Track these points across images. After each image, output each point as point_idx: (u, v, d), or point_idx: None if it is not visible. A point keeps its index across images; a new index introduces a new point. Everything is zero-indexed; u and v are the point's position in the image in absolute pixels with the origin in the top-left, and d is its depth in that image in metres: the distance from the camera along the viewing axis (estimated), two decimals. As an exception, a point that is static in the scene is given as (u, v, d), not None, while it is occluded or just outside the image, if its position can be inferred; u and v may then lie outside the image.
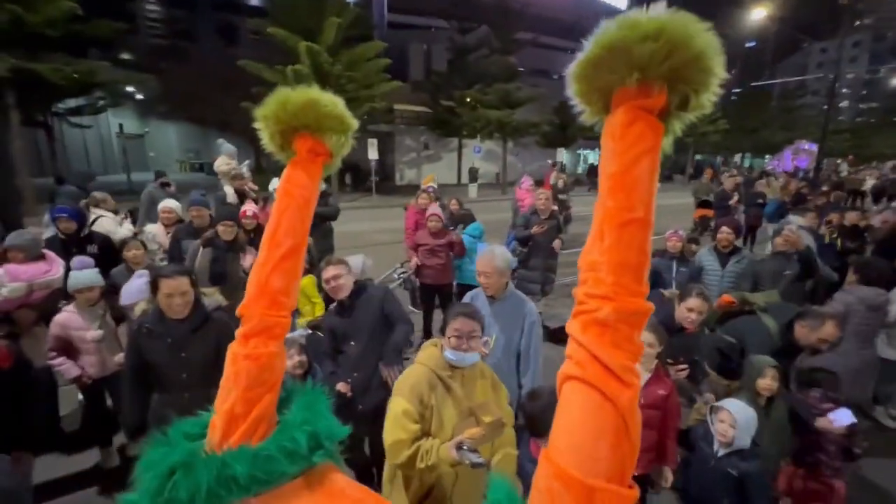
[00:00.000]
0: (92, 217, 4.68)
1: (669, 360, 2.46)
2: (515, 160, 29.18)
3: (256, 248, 4.30)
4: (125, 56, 26.33)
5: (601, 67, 0.61)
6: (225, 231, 3.45)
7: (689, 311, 2.57)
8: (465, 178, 23.49)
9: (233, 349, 0.84)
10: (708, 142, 29.78)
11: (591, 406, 0.58)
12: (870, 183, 14.20)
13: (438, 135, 24.99)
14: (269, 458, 0.74)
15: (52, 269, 2.93)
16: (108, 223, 4.59)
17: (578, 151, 35.19)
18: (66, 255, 3.10)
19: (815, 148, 22.22)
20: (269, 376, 0.83)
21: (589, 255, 0.63)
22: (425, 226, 4.54)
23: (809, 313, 2.65)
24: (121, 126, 21.86)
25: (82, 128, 19.41)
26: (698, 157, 35.17)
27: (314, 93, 0.89)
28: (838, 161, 26.22)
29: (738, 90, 37.72)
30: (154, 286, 2.10)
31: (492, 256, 2.36)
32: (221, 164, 5.74)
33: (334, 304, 2.50)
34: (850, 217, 5.52)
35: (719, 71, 0.58)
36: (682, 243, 3.94)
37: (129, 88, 22.39)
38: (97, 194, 5.09)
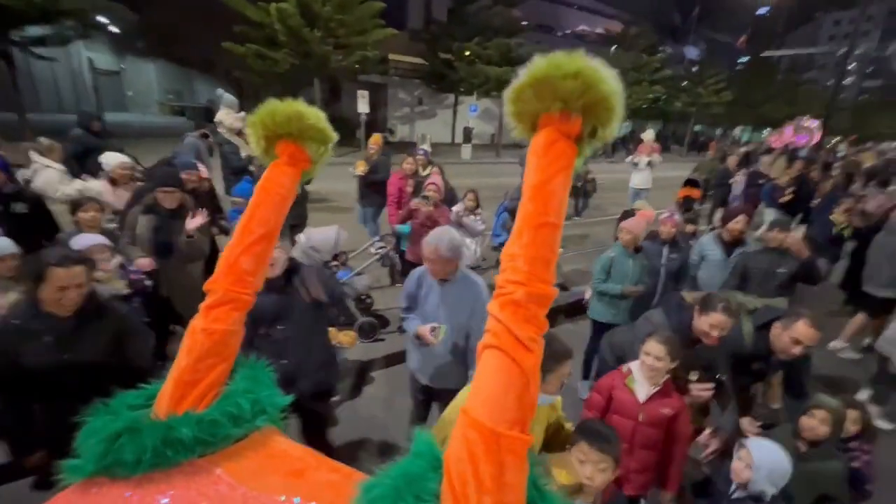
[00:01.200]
0: (33, 168, 4.19)
1: (692, 377, 2.16)
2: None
3: (213, 208, 3.85)
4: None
5: (531, 95, 0.77)
6: (165, 198, 2.95)
7: (711, 326, 2.17)
8: (459, 138, 22.64)
9: (192, 323, 0.90)
10: (710, 113, 29.07)
11: (503, 368, 0.70)
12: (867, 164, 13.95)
13: (434, 90, 23.85)
14: (214, 422, 0.79)
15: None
16: (53, 177, 4.08)
17: (577, 115, 34.10)
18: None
19: (816, 125, 21.77)
20: (221, 349, 0.88)
21: (510, 248, 0.77)
22: (408, 195, 4.16)
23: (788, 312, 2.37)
24: (90, 60, 20.24)
25: (47, 60, 17.91)
26: (697, 127, 34.49)
27: (300, 105, 1.02)
28: (835, 139, 25.83)
29: (745, 59, 36.57)
30: (38, 276, 1.67)
31: (437, 244, 2.12)
32: (225, 117, 5.51)
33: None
34: (875, 203, 4.73)
35: (620, 112, 0.76)
36: (676, 229, 3.65)
37: (102, 20, 20.67)
38: (43, 140, 4.50)
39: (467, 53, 20.70)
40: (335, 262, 3.73)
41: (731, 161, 8.85)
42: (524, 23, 22.24)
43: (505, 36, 20.27)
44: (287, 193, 1.04)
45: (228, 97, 5.80)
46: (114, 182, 3.85)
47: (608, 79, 0.73)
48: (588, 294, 3.72)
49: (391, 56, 22.91)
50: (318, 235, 3.60)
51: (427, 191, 4.03)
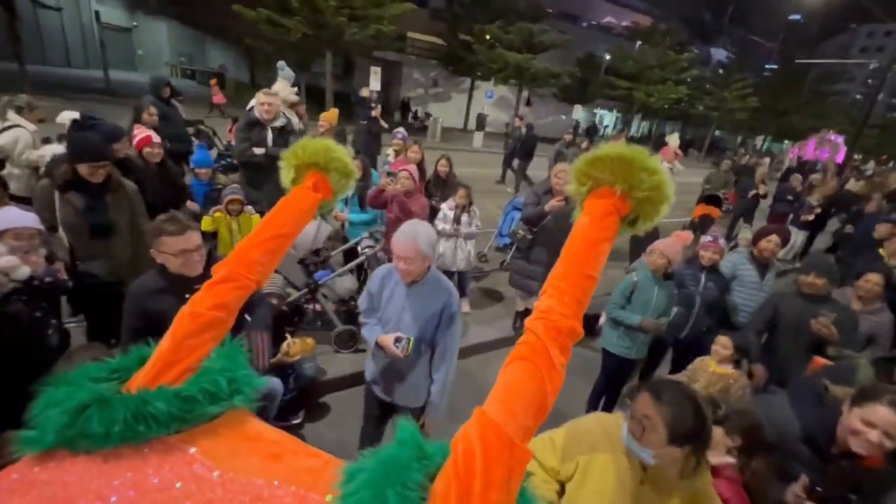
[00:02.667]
0: (3, 125, 3.71)
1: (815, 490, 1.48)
2: (528, 111, 27.42)
3: (166, 183, 3.27)
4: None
5: (607, 166, 0.91)
6: (93, 173, 2.41)
7: (868, 426, 1.42)
8: (472, 125, 21.94)
9: (182, 307, 0.89)
10: (732, 119, 28.10)
11: (534, 383, 0.77)
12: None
13: (450, 72, 23.07)
14: (190, 397, 0.76)
15: None
16: (21, 137, 3.61)
17: (595, 110, 33.15)
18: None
19: (840, 140, 20.88)
20: (204, 334, 0.86)
21: (557, 283, 0.88)
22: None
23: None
24: (97, 13, 19.54)
25: (53, 10, 17.30)
26: (717, 132, 33.51)
27: (330, 142, 1.20)
28: (858, 157, 24.87)
29: (773, 66, 35.30)
30: None
31: (414, 237, 1.84)
32: (281, 89, 5.30)
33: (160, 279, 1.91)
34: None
35: (660, 217, 0.95)
36: (719, 255, 3.15)
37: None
38: (22, 96, 4.03)
39: (488, 37, 19.90)
40: (313, 260, 3.27)
41: (760, 173, 8.25)
42: (549, 10, 21.33)
43: (528, 21, 19.42)
44: (306, 210, 1.15)
45: (287, 71, 5.71)
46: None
47: (670, 190, 0.91)
48: (602, 319, 3.25)
49: (409, 34, 22.12)
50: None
51: (400, 176, 3.55)
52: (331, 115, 5.83)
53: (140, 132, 3.36)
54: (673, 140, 8.02)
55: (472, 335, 4.28)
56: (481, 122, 19.25)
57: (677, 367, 3.35)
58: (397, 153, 5.07)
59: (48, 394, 0.73)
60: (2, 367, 1.71)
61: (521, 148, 10.45)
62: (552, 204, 3.58)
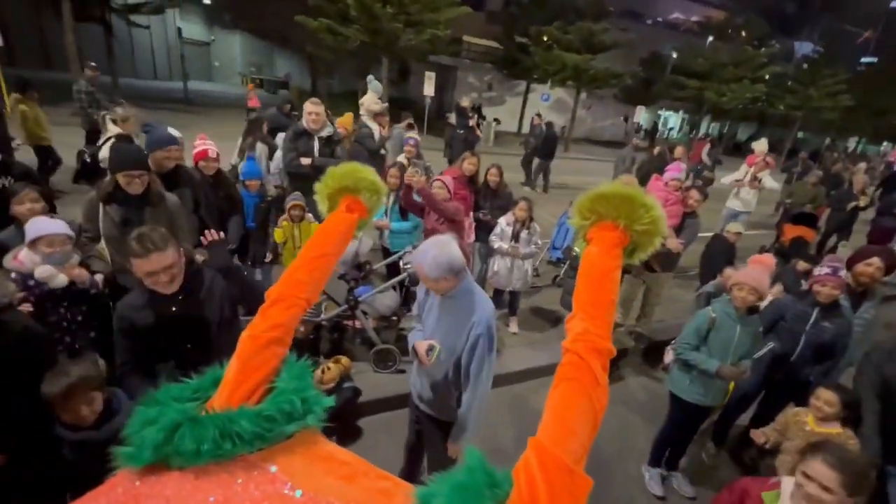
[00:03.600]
0: (105, 137, 4.00)
1: None
2: (586, 114, 26.37)
3: (221, 195, 3.23)
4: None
5: (610, 203, 1.01)
6: (130, 183, 2.39)
7: None
8: (526, 128, 21.42)
9: (243, 332, 0.95)
10: (819, 119, 25.33)
11: (584, 404, 0.80)
12: None
13: (505, 75, 22.68)
14: (270, 417, 0.79)
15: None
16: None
17: (660, 112, 31.27)
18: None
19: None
20: (267, 355, 0.91)
21: (589, 306, 0.94)
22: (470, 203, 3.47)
23: None
24: (179, 30, 21.26)
25: (139, 27, 19.04)
26: (801, 135, 30.38)
27: (356, 164, 1.30)
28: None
29: (870, 60, 31.49)
30: None
31: (420, 262, 1.77)
32: (370, 102, 5.73)
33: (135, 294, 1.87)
34: None
35: (650, 251, 1.04)
36: (839, 291, 2.61)
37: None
38: (119, 110, 4.40)
39: (545, 38, 19.32)
40: (354, 275, 3.14)
41: (859, 181, 7.20)
42: (611, 8, 20.34)
43: (589, 20, 18.61)
44: (345, 231, 1.23)
45: (376, 83, 6.06)
46: None
47: (664, 226, 1.02)
48: (668, 357, 2.84)
49: (465, 37, 22.03)
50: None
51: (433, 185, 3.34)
52: (346, 120, 5.91)
53: (200, 144, 3.40)
54: (760, 146, 7.08)
55: (522, 358, 3.98)
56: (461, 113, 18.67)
57: (761, 417, 2.88)
58: (409, 161, 4.86)
59: (141, 413, 0.77)
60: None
61: (541, 147, 10.12)
62: None
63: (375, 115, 5.73)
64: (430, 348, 1.91)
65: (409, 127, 7.11)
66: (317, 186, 1.30)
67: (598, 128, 28.28)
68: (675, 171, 4.49)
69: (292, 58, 28.26)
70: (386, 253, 3.86)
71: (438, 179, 3.24)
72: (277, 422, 0.79)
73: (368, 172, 1.29)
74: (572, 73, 18.86)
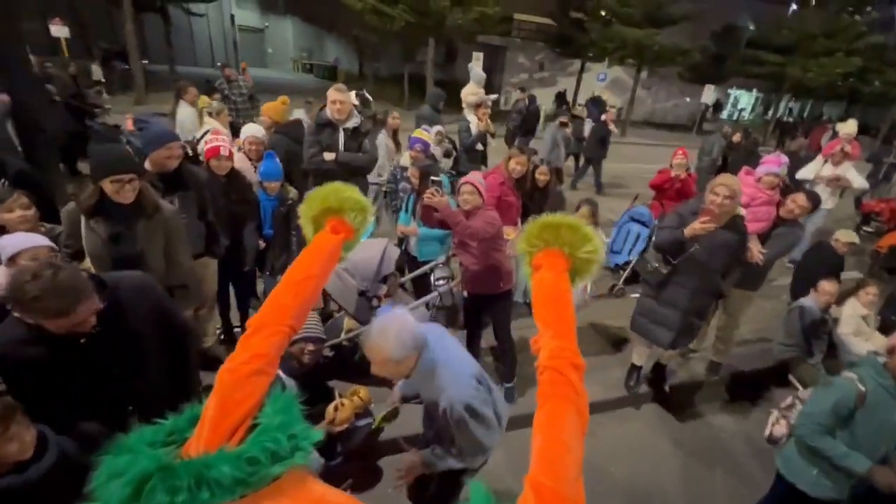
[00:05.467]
0: (203, 129, 4.05)
1: None
2: (646, 95, 24.40)
3: (234, 199, 2.79)
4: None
5: (555, 232, 1.14)
6: (118, 190, 1.96)
7: None
8: (580, 111, 20.10)
9: (221, 366, 0.89)
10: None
11: (573, 420, 0.82)
12: None
13: (558, 54, 21.33)
14: (252, 459, 0.72)
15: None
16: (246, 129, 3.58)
17: (730, 91, 28.42)
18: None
19: None
20: (249, 389, 0.84)
21: (557, 324, 1.01)
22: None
23: None
24: (232, 17, 21.66)
25: (196, 16, 19.62)
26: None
27: (338, 185, 1.30)
28: None
29: None
30: None
31: (383, 340, 1.46)
32: (469, 93, 5.35)
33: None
34: None
35: (590, 277, 1.20)
36: None
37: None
38: (214, 103, 4.70)
39: (602, 13, 17.83)
40: (377, 290, 2.71)
41: None
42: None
43: (656, -10, 16.92)
44: (331, 252, 1.20)
45: (477, 71, 5.67)
46: (251, 158, 3.43)
47: (602, 255, 1.18)
48: (778, 429, 2.17)
49: (515, 15, 20.87)
50: (357, 252, 2.58)
51: (462, 191, 2.75)
52: (272, 107, 4.68)
53: (212, 140, 3.04)
54: (847, 128, 5.60)
55: (569, 387, 3.43)
56: (560, 105, 17.44)
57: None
58: (413, 161, 3.69)
59: (108, 463, 0.69)
60: None
61: (522, 124, 9.35)
62: (697, 227, 2.56)
63: (475, 107, 5.14)
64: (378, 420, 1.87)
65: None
66: (300, 209, 1.29)
67: (660, 109, 26.13)
68: (774, 163, 3.68)
69: (340, 42, 28.17)
70: (412, 264, 3.39)
71: (469, 183, 2.70)
72: (262, 464, 0.72)
73: (353, 192, 1.29)
74: (633, 50, 17.30)
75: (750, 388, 3.80)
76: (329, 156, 3.38)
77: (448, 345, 1.72)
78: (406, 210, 3.49)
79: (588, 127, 9.34)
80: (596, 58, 19.26)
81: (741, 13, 23.50)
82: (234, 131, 4.59)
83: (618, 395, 3.42)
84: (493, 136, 5.34)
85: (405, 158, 3.94)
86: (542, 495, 0.69)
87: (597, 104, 8.20)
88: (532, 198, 3.69)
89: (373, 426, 2.44)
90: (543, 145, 7.57)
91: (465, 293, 3.04)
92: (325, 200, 1.26)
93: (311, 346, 2.24)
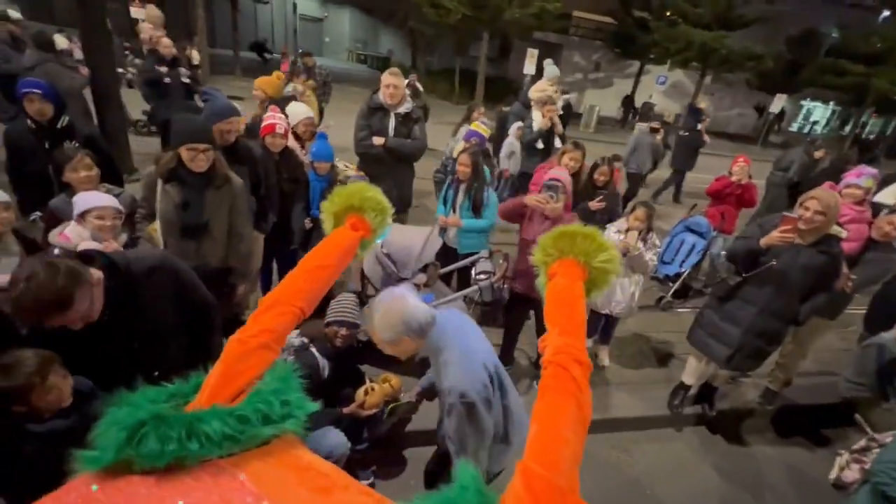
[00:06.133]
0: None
1: None
2: (709, 101, 23.08)
3: (285, 177, 2.79)
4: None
5: (571, 241, 1.13)
6: (193, 158, 2.10)
7: None
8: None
9: (233, 335, 0.92)
10: None
11: (573, 414, 0.79)
12: None
13: (617, 55, 20.54)
14: (243, 417, 0.75)
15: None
16: (298, 110, 3.66)
17: (803, 102, 26.43)
18: (39, 151, 2.29)
19: None
20: (253, 361, 0.87)
21: (566, 323, 1.00)
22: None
23: None
24: (294, 6, 22.35)
25: (261, 3, 20.35)
26: None
27: (361, 184, 1.33)
28: None
29: None
30: None
31: (375, 319, 1.45)
32: (538, 89, 4.91)
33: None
34: None
35: (607, 287, 1.17)
36: None
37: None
38: (298, 87, 4.95)
39: (668, 13, 16.99)
40: (417, 280, 2.66)
41: None
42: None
43: (727, -10, 15.94)
44: (347, 247, 1.21)
45: (552, 67, 5.34)
46: (298, 138, 3.50)
47: (619, 266, 1.15)
48: (849, 473, 1.95)
49: (574, 13, 20.27)
50: (399, 239, 2.55)
51: (546, 200, 2.57)
52: (265, 81, 4.56)
53: (269, 118, 3.10)
54: None
55: (610, 404, 3.25)
56: (646, 111, 16.65)
57: None
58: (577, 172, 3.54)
59: (111, 414, 0.72)
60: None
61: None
62: (775, 236, 2.33)
63: (541, 104, 4.81)
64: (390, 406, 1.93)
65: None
66: (323, 205, 1.30)
67: (723, 118, 24.64)
68: (855, 175, 3.32)
69: (395, 34, 28.48)
70: (450, 256, 3.30)
71: (556, 180, 2.56)
72: (251, 423, 0.74)
73: (375, 192, 1.32)
74: (697, 53, 16.41)
75: (805, 423, 3.48)
76: (378, 140, 3.36)
77: (468, 333, 1.65)
78: (446, 202, 3.43)
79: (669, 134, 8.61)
80: (657, 60, 18.39)
81: (823, 18, 21.71)
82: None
83: (659, 413, 3.22)
84: (561, 137, 4.96)
85: (457, 149, 3.86)
86: (531, 482, 0.68)
87: (696, 113, 7.68)
88: (586, 196, 3.51)
89: (385, 412, 2.39)
90: (625, 150, 7.09)
91: (510, 290, 2.93)
92: (348, 199, 1.27)
93: (344, 331, 2.22)
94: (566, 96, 6.92)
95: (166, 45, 5.36)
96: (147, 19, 6.51)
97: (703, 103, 8.22)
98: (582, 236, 1.12)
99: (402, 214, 3.57)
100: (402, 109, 3.39)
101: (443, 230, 3.30)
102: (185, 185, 2.17)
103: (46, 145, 2.52)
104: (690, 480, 2.91)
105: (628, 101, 19.68)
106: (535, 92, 4.89)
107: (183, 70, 5.49)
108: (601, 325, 3.49)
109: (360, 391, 2.28)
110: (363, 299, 2.70)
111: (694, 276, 5.00)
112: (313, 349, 2.18)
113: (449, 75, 19.59)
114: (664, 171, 8.48)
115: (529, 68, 14.39)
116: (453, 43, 19.12)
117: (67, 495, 0.65)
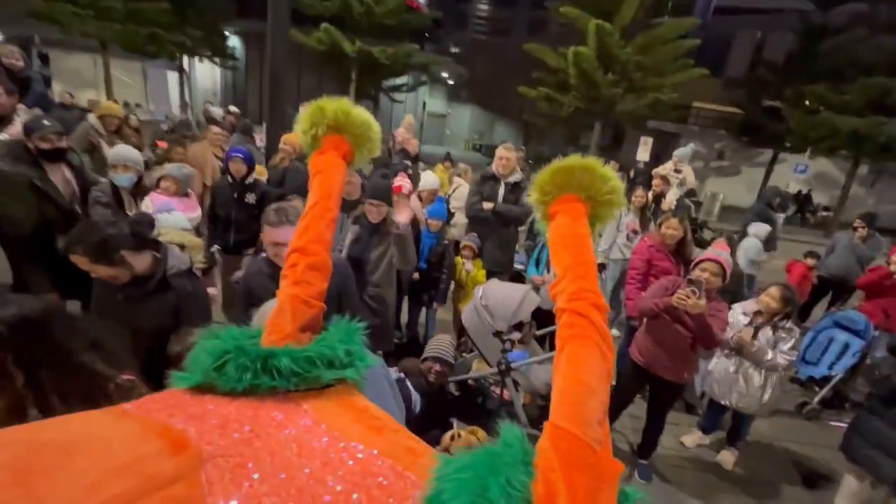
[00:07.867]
0: (454, 185, 5.15)
1: None
2: (864, 193, 20.10)
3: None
4: (454, 49, 31.33)
5: (569, 175, 1.00)
6: (371, 211, 2.78)
7: None
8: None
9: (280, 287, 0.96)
10: None
11: (598, 361, 0.75)
12: None
13: (743, 143, 19.43)
14: (310, 359, 0.81)
15: (196, 210, 2.79)
16: (430, 179, 4.29)
17: None
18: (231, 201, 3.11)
19: None
20: (310, 274, 0.94)
21: (577, 266, 0.90)
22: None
23: None
24: (424, 104, 25.82)
25: (397, 102, 23.93)
26: None
27: (345, 102, 1.11)
28: None
29: None
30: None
31: None
32: (663, 165, 5.33)
33: None
34: None
35: (611, 220, 1.07)
36: None
37: (444, 74, 26.45)
38: (461, 165, 5.95)
39: (807, 101, 15.83)
40: (512, 336, 2.67)
41: None
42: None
43: (883, 73, 14.43)
44: (342, 182, 1.10)
45: (684, 150, 5.57)
46: (421, 200, 4.02)
47: (623, 197, 1.01)
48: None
49: (694, 104, 20.04)
50: (498, 293, 2.63)
51: (709, 269, 2.44)
52: (293, 138, 4.44)
53: (398, 181, 3.62)
54: None
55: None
56: (784, 201, 15.02)
57: None
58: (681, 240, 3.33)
59: (201, 344, 0.82)
60: None
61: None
62: None
63: (657, 177, 4.93)
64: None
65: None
66: (298, 117, 1.13)
67: (885, 212, 21.04)
68: None
69: (510, 125, 30.90)
70: (545, 319, 3.23)
71: (713, 260, 2.48)
72: (316, 365, 0.81)
73: (361, 111, 1.14)
74: (844, 140, 14.73)
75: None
76: (487, 205, 3.63)
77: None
78: (538, 264, 3.47)
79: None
80: (794, 148, 16.93)
81: None
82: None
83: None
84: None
85: None
86: (559, 442, 0.65)
87: (799, 199, 6.79)
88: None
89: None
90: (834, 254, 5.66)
91: (629, 359, 2.79)
92: (332, 116, 1.08)
93: (438, 367, 2.30)
94: (681, 176, 6.45)
95: (413, 146, 6.02)
96: (403, 126, 7.05)
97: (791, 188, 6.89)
98: (581, 169, 1.01)
99: (502, 275, 3.68)
100: (511, 179, 3.67)
101: (536, 289, 3.30)
102: (360, 228, 2.87)
103: (235, 195, 3.28)
104: None
105: (805, 198, 18.00)
106: (663, 170, 5.02)
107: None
108: (730, 422, 3.02)
109: (447, 435, 2.27)
110: (462, 348, 2.78)
111: (852, 385, 4.12)
112: (408, 383, 2.29)
113: (559, 162, 20.32)
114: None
115: (643, 155, 14.32)
116: (565, 132, 20.03)
117: (163, 397, 0.76)
